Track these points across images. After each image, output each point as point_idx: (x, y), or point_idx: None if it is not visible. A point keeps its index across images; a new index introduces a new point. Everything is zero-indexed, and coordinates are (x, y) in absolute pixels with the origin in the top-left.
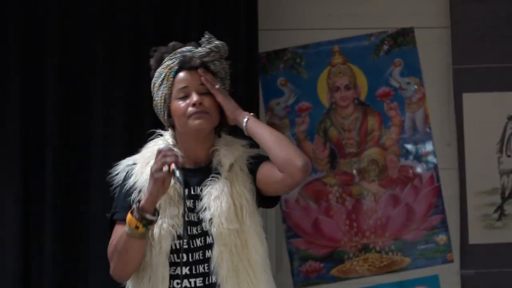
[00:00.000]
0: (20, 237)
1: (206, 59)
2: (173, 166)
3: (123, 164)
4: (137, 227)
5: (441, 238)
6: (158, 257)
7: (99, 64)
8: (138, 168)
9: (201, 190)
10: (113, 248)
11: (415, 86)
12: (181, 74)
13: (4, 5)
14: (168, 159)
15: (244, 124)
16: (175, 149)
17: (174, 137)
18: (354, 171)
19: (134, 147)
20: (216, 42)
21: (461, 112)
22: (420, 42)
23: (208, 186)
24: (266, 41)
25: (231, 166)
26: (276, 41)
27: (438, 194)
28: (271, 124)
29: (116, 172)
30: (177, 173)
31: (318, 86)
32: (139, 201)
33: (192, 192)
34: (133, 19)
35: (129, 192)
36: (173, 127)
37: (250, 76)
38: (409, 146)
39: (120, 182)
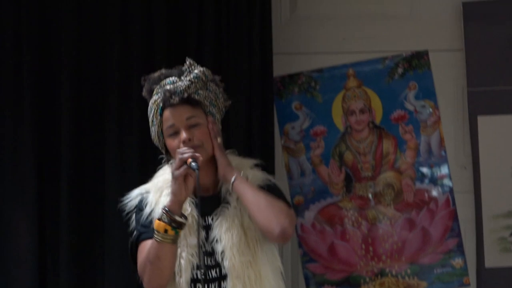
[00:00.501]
0: (35, 250)
1: (188, 91)
2: (190, 160)
3: (136, 192)
4: (166, 231)
5: (457, 261)
6: (179, 287)
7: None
8: (152, 197)
9: (212, 220)
10: (145, 260)
11: (430, 109)
12: (167, 112)
13: (18, 11)
14: (186, 155)
15: (230, 183)
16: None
17: None
18: (370, 195)
19: (148, 169)
20: (196, 72)
21: (476, 135)
22: (435, 65)
23: (219, 217)
24: (280, 65)
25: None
26: (291, 65)
27: (454, 218)
28: (286, 148)
29: (129, 200)
30: (193, 165)
31: (333, 110)
32: (165, 207)
33: (204, 223)
34: (146, 37)
35: (147, 221)
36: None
37: (265, 100)
38: (425, 170)
39: (135, 210)
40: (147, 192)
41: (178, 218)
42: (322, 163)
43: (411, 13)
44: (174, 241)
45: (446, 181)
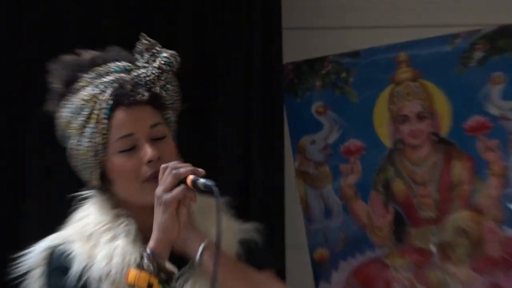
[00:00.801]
0: None
1: (158, 84)
2: (191, 177)
3: (43, 246)
4: (150, 286)
5: None
6: None
7: None
8: (79, 249)
9: (177, 283)
10: None
11: None
12: (121, 115)
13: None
14: (182, 170)
15: (198, 253)
16: None
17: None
18: (432, 247)
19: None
20: (165, 55)
21: None
22: None
23: (188, 281)
24: (293, 46)
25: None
26: (309, 46)
27: None
28: (302, 173)
29: (30, 258)
30: (202, 181)
31: (375, 115)
32: (148, 249)
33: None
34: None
35: (79, 286)
36: (106, 191)
37: (268, 100)
38: None
39: (49, 272)
40: (67, 242)
41: (168, 266)
42: (358, 197)
43: None
44: None
45: None
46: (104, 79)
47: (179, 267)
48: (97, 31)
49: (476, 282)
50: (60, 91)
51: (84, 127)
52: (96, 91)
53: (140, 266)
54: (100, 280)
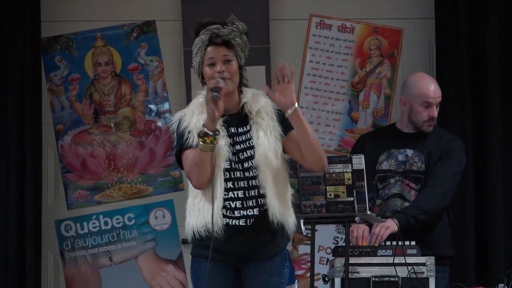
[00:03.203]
0: None
1: (229, 36)
2: (212, 88)
3: (177, 116)
4: (204, 141)
5: (175, 173)
6: (217, 173)
7: None
8: (187, 116)
9: (242, 129)
10: (190, 163)
11: (156, 63)
12: (209, 49)
13: None
14: (211, 85)
15: (293, 109)
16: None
17: None
18: (112, 124)
19: None
20: (237, 24)
21: (190, 82)
22: (160, 31)
23: (255, 125)
24: (47, 30)
25: (257, 112)
26: (55, 30)
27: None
28: (50, 90)
29: (171, 122)
30: (213, 92)
31: (85, 62)
32: (203, 124)
33: (233, 131)
34: None
35: (183, 134)
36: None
37: (35, 55)
38: (152, 106)
39: (175, 129)
40: (185, 114)
41: (206, 130)
42: (77, 101)
43: None
44: (212, 149)
45: (168, 115)
46: (206, 32)
47: (240, 120)
48: None
49: (132, 141)
50: (193, 37)
51: (196, 54)
52: (203, 36)
53: (199, 133)
54: (189, 132)
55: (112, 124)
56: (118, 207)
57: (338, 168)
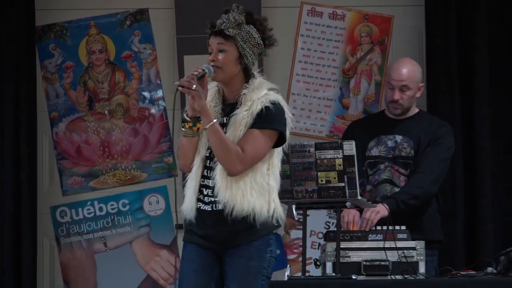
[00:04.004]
0: None
1: (220, 27)
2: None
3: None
4: (183, 127)
5: (169, 159)
6: (196, 159)
7: None
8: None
9: (228, 120)
10: (178, 145)
11: (149, 51)
12: (211, 38)
13: None
14: (194, 71)
15: (206, 127)
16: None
17: None
18: (106, 112)
19: None
20: (233, 14)
21: (183, 70)
22: (153, 19)
23: (233, 116)
24: (42, 18)
25: (249, 104)
26: (49, 18)
27: (167, 128)
28: (45, 77)
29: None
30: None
31: (79, 50)
32: (184, 111)
33: (224, 121)
34: None
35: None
36: None
37: (29, 43)
38: (145, 93)
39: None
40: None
41: (185, 117)
42: (71, 89)
43: None
44: (192, 135)
45: (161, 102)
46: (211, 24)
47: (230, 111)
48: None
49: (126, 128)
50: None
51: (207, 40)
52: (208, 26)
53: (182, 119)
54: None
55: (106, 111)
56: (112, 193)
57: (329, 154)
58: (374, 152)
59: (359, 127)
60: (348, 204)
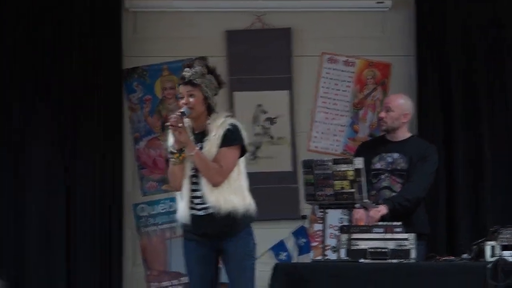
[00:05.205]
0: None
1: (189, 78)
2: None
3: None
4: (172, 157)
5: None
6: (185, 179)
7: None
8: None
9: (201, 145)
10: (168, 173)
11: None
12: (181, 87)
13: None
14: (177, 112)
15: (191, 154)
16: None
17: None
18: None
19: None
20: (196, 68)
21: (234, 105)
22: (210, 63)
23: (204, 143)
24: (127, 63)
25: (214, 130)
26: (134, 63)
27: None
28: (130, 107)
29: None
30: (181, 114)
31: (155, 87)
32: (172, 144)
33: (199, 146)
34: None
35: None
36: None
37: (117, 82)
38: None
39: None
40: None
41: (171, 149)
42: (149, 116)
43: None
44: (179, 163)
45: None
46: (180, 77)
47: (202, 138)
48: None
49: None
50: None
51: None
52: (179, 79)
53: (169, 150)
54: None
55: None
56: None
57: (343, 167)
58: (377, 166)
59: (366, 147)
60: (357, 205)
